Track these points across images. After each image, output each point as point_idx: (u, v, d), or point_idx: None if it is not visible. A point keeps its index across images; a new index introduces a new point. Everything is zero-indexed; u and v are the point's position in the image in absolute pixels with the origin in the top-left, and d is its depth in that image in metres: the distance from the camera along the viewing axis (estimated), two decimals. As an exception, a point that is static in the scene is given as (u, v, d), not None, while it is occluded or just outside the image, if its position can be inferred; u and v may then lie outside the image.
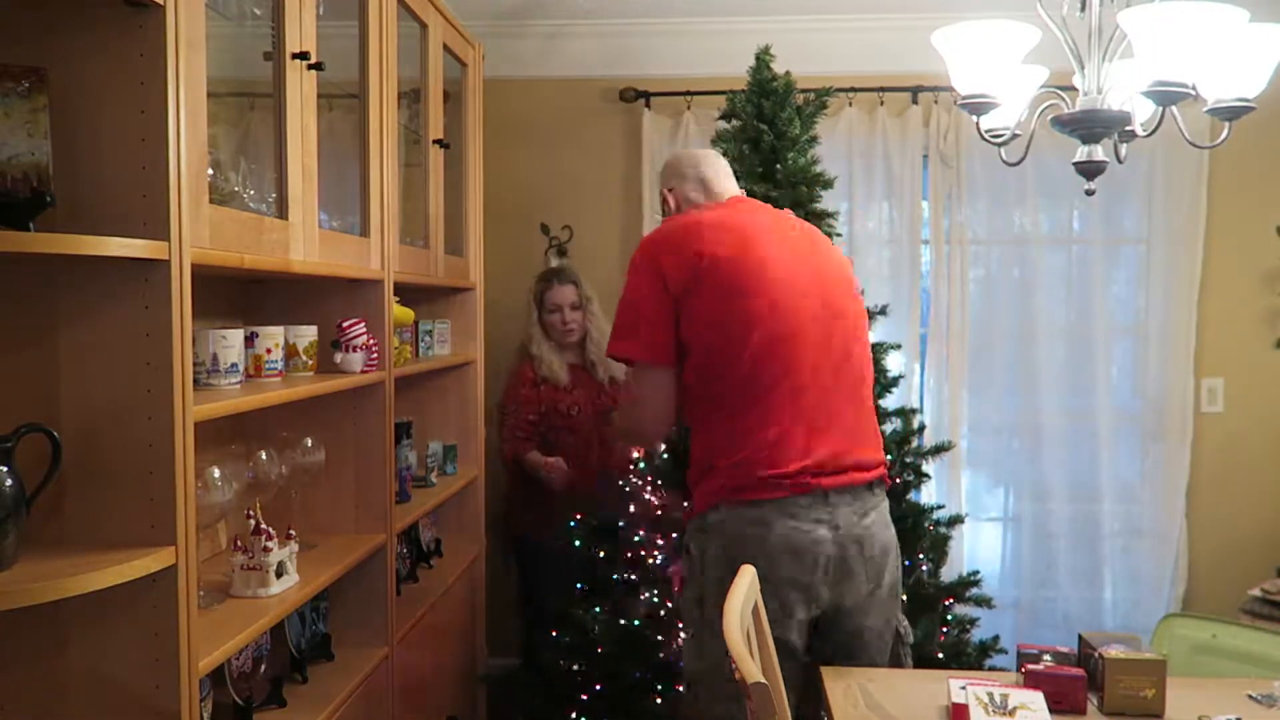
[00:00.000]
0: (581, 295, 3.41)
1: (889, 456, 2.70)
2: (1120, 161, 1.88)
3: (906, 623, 2.14)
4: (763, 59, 2.86)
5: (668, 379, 2.00)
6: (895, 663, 2.08)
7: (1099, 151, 1.84)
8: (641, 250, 2.06)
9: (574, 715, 2.72)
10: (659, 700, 2.58)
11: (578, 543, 2.77)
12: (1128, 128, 1.83)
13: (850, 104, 3.72)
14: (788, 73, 2.87)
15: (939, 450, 2.92)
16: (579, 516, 2.82)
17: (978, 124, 1.93)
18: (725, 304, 1.94)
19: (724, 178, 2.23)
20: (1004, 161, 2.02)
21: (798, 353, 1.95)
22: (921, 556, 2.75)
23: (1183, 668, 2.37)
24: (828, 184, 2.86)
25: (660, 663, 2.60)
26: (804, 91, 2.90)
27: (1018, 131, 1.96)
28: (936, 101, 3.70)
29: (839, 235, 2.90)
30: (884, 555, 2.01)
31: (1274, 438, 3.80)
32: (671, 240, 2.02)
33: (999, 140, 1.96)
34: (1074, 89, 1.86)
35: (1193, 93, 1.68)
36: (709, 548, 1.95)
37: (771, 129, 2.79)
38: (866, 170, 3.73)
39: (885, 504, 2.07)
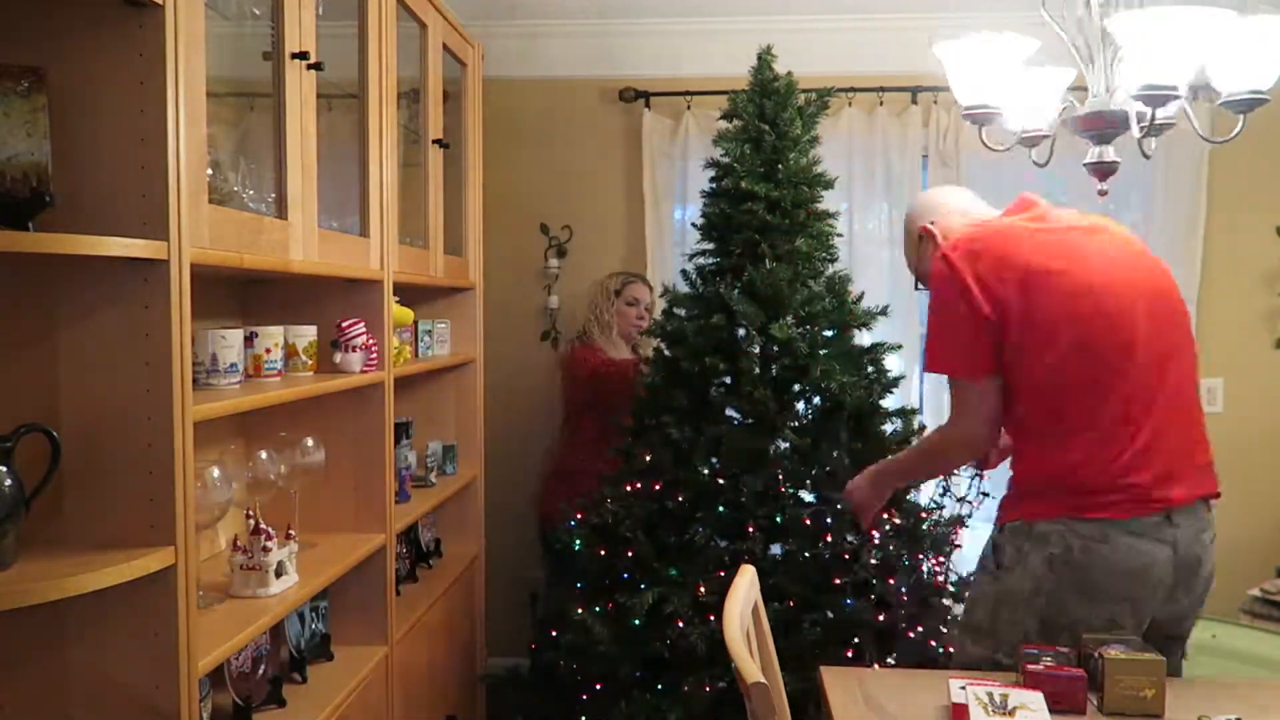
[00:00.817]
0: (653, 298, 3.52)
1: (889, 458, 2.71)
2: (1147, 157, 1.88)
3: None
4: (765, 59, 2.86)
5: (992, 391, 1.98)
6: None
7: (1110, 152, 1.84)
8: (947, 262, 1.99)
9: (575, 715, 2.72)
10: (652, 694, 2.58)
11: (578, 544, 2.76)
12: (1157, 121, 1.81)
13: (850, 104, 3.72)
14: (789, 73, 2.86)
15: None
16: (579, 516, 2.81)
17: (981, 134, 1.94)
18: (1058, 316, 1.90)
19: (980, 203, 2.19)
20: (1034, 163, 2.02)
21: (1134, 366, 1.91)
22: (922, 557, 2.75)
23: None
24: (829, 184, 2.86)
25: (658, 660, 2.60)
26: (805, 91, 2.90)
27: (1049, 133, 1.97)
28: (936, 102, 3.69)
29: (839, 235, 2.90)
30: (1211, 575, 1.99)
31: (1274, 438, 3.80)
32: (990, 252, 1.96)
33: (1004, 148, 1.96)
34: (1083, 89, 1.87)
35: (1180, 95, 1.68)
36: (1031, 555, 1.93)
37: (773, 129, 2.79)
38: (866, 170, 3.73)
39: (1214, 521, 2.01)
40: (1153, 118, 1.72)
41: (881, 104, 3.72)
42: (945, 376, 2.10)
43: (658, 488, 2.71)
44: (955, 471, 2.63)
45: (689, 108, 3.76)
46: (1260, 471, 3.79)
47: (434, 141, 2.84)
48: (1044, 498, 1.95)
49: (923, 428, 3.01)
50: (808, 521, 2.60)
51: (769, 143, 2.78)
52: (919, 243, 2.20)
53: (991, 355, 1.94)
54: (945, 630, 2.63)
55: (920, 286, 2.25)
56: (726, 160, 2.83)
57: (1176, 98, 1.67)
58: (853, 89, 3.69)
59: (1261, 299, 3.77)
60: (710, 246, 2.88)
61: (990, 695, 1.67)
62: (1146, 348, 1.93)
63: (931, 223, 2.17)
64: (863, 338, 2.92)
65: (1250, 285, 3.77)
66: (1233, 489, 3.74)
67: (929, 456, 2.28)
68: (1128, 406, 1.90)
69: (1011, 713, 1.63)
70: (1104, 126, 1.80)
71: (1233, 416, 3.79)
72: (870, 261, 3.74)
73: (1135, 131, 1.84)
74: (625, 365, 3.36)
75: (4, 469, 1.37)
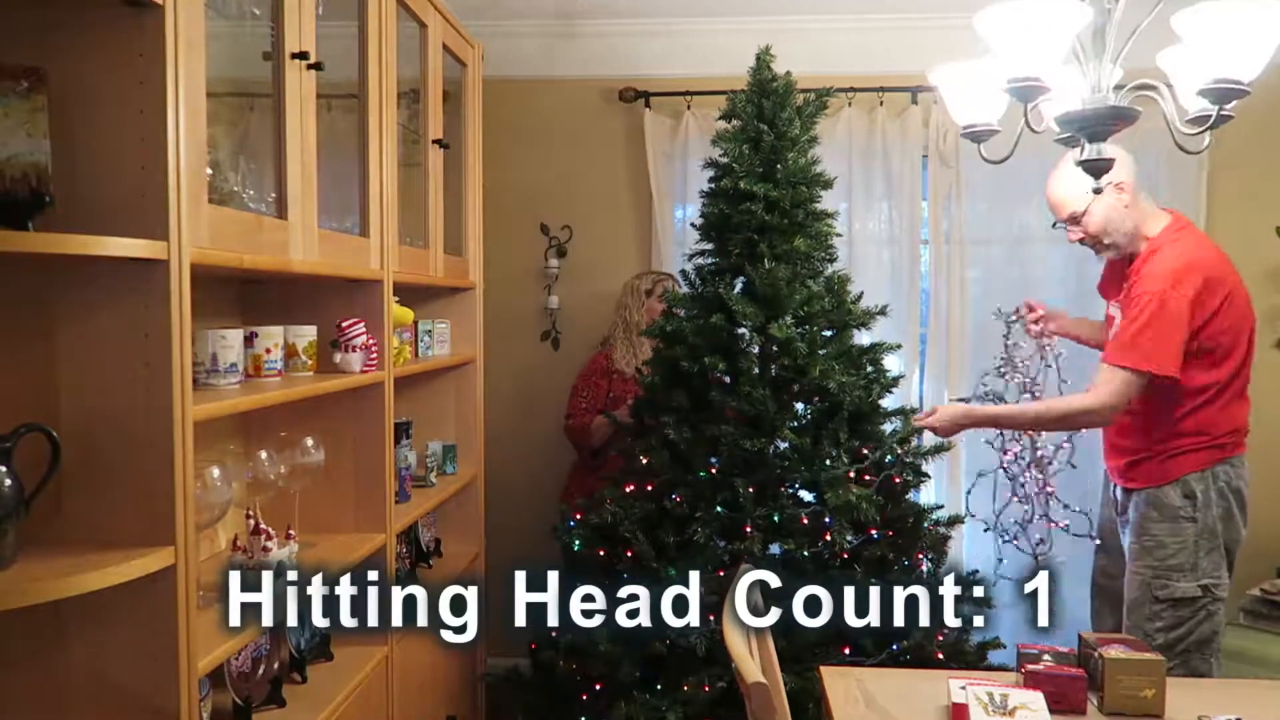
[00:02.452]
0: None
1: (889, 458, 2.72)
2: (1183, 148, 1.90)
3: None
4: (763, 59, 2.85)
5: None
6: None
7: (1106, 150, 1.83)
8: (1179, 277, 2.44)
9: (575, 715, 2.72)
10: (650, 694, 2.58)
11: (577, 544, 2.76)
12: (1190, 118, 1.81)
13: (850, 104, 3.72)
14: (788, 73, 2.86)
15: (938, 450, 2.92)
16: (578, 516, 2.81)
17: (980, 150, 1.96)
18: (1239, 320, 2.54)
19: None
20: (985, 159, 2.02)
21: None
22: (921, 557, 2.75)
23: (1183, 668, 2.37)
24: (828, 184, 2.85)
25: (656, 659, 2.60)
26: (804, 91, 2.90)
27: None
28: (936, 102, 3.69)
29: (839, 235, 2.90)
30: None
31: (1274, 438, 3.79)
32: (1209, 273, 2.49)
33: (987, 145, 1.97)
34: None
35: (1249, 90, 1.68)
36: (1211, 493, 2.51)
37: (772, 129, 2.78)
38: (866, 170, 3.73)
39: None
40: (1219, 114, 1.71)
41: (881, 104, 3.71)
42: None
43: (651, 488, 2.71)
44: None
45: (689, 108, 3.76)
46: (1260, 472, 3.78)
47: (434, 141, 2.84)
48: (1209, 448, 2.53)
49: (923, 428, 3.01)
50: (805, 521, 2.60)
51: (767, 143, 2.78)
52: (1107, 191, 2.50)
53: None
54: (945, 629, 2.64)
55: (1060, 225, 2.69)
56: (725, 160, 2.82)
57: (1246, 92, 1.66)
58: (853, 89, 3.69)
59: (1262, 299, 3.76)
60: (709, 247, 2.88)
61: (990, 695, 1.67)
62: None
63: (1127, 183, 2.52)
64: (862, 337, 2.92)
65: (1250, 285, 3.74)
66: (1233, 489, 3.77)
67: (1057, 419, 2.67)
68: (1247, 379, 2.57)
69: (1011, 713, 1.63)
70: (1100, 124, 1.79)
71: (1233, 416, 3.79)
72: (870, 261, 3.74)
73: (1181, 128, 1.82)
74: (596, 386, 3.49)
75: (4, 469, 1.37)
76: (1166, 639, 2.44)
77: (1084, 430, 2.83)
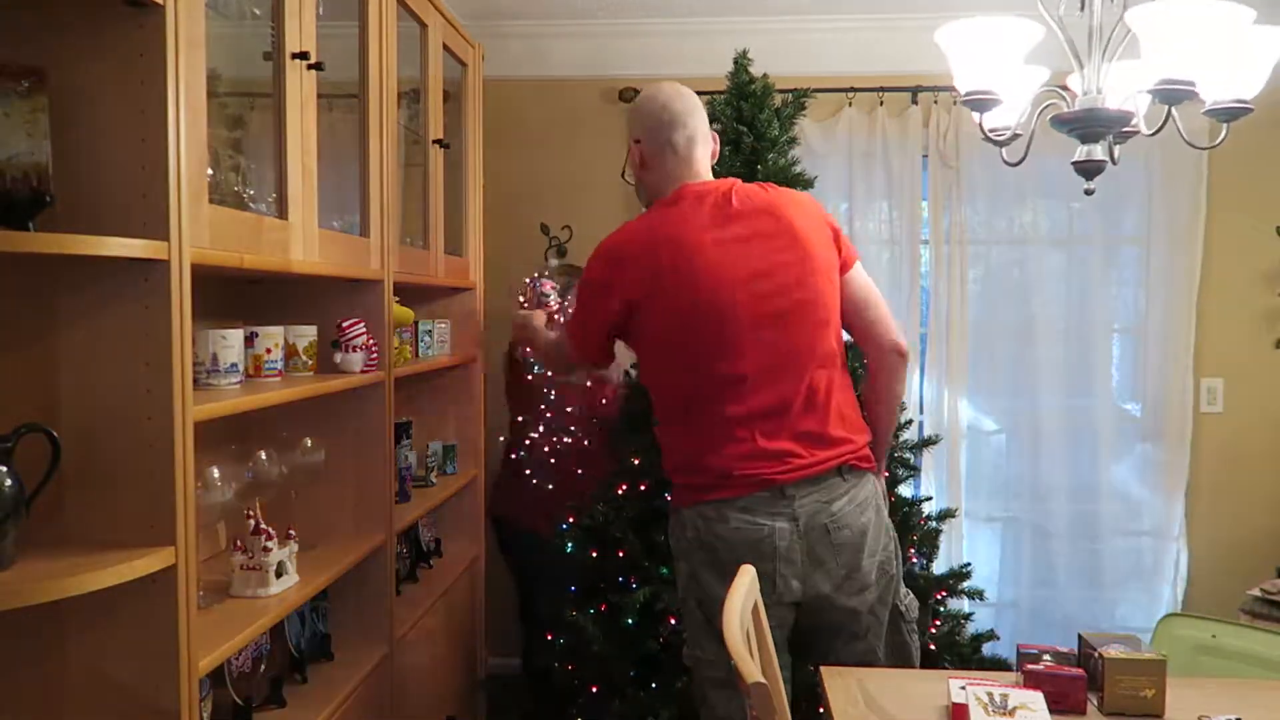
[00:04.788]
0: (562, 286, 3.41)
1: None
2: (1114, 162, 1.88)
3: (910, 601, 2.17)
4: (740, 62, 2.89)
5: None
6: (899, 641, 2.13)
7: (1098, 151, 1.83)
8: (596, 259, 2.15)
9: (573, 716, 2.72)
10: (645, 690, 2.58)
11: (570, 547, 2.77)
12: (1125, 128, 1.83)
13: (850, 104, 3.72)
14: (765, 75, 2.89)
15: (927, 444, 2.94)
16: (571, 519, 2.81)
17: (980, 123, 1.93)
18: (665, 318, 2.03)
19: (695, 147, 2.16)
20: (1005, 162, 2.01)
21: (736, 352, 1.99)
22: (912, 550, 2.76)
23: (1183, 668, 2.37)
24: (808, 184, 2.87)
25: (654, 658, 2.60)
26: (782, 92, 2.92)
27: (1019, 131, 1.96)
28: (936, 102, 3.70)
29: None
30: (860, 537, 2.03)
31: (1274, 438, 3.80)
32: (626, 253, 2.11)
33: (1001, 140, 1.96)
34: (1070, 90, 1.86)
35: (1197, 91, 1.68)
36: (681, 540, 2.07)
37: (751, 130, 2.81)
38: (866, 170, 3.73)
39: (861, 487, 2.06)
40: (1167, 115, 1.72)
41: (881, 104, 3.72)
42: None
43: (645, 488, 2.71)
44: None
45: (689, 108, 3.76)
46: (1260, 471, 3.80)
47: (434, 141, 2.84)
48: (676, 486, 2.13)
49: (910, 421, 3.02)
50: None
51: (747, 144, 2.80)
52: (629, 155, 2.25)
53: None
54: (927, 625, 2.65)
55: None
56: None
57: (1194, 93, 1.66)
58: (853, 89, 3.70)
59: (1261, 299, 3.77)
60: None
61: (990, 695, 1.67)
62: (753, 328, 2.00)
63: (637, 141, 2.19)
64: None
65: (1250, 285, 3.78)
66: (1233, 489, 3.80)
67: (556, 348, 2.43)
68: (739, 394, 2.01)
69: (1011, 713, 1.63)
70: (1095, 125, 1.79)
71: (1233, 416, 3.80)
72: (870, 261, 3.73)
73: (1144, 129, 1.83)
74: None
75: (4, 469, 1.37)
76: None
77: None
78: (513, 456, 3.51)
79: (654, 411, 2.17)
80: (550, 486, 3.33)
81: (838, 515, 2.01)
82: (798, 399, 2.02)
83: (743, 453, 1.98)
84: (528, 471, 3.41)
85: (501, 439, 3.58)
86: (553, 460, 3.36)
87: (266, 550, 1.89)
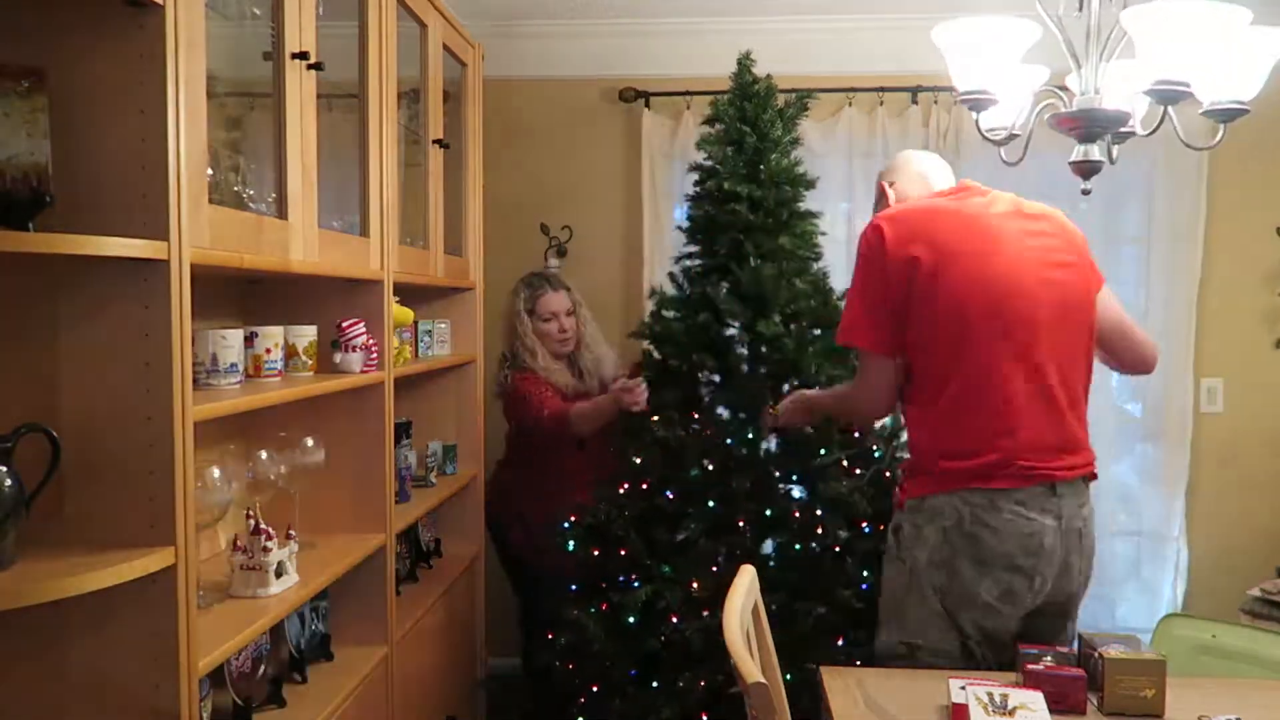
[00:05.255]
0: (573, 299, 3.28)
1: (878, 454, 2.72)
2: (1112, 162, 1.88)
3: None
4: (744, 63, 2.89)
5: (888, 366, 2.11)
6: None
7: (1095, 151, 1.83)
8: (868, 237, 2.10)
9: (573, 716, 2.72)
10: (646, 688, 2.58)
11: (571, 545, 2.77)
12: (1123, 129, 1.83)
13: (850, 104, 3.72)
14: (768, 76, 2.89)
15: None
16: (573, 518, 2.81)
17: (977, 123, 1.94)
18: (965, 285, 2.01)
19: (946, 174, 2.32)
20: (1004, 161, 2.02)
21: (1034, 340, 2.02)
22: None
23: (1183, 668, 2.36)
24: (810, 184, 2.88)
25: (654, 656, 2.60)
26: (785, 93, 2.92)
27: (1017, 131, 1.96)
28: (936, 101, 3.70)
29: (823, 234, 2.91)
30: (1092, 547, 2.12)
31: (1274, 438, 3.80)
32: (904, 228, 2.07)
33: (998, 140, 1.96)
34: (1068, 90, 1.86)
35: (1192, 92, 1.68)
36: (926, 528, 2.03)
37: (754, 131, 2.82)
38: (866, 170, 3.72)
39: (1091, 499, 2.12)
40: (1164, 115, 1.72)
41: (881, 104, 3.72)
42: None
43: (646, 486, 2.72)
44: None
45: (689, 108, 3.76)
46: (1260, 471, 3.80)
47: (434, 142, 2.84)
48: (929, 473, 2.08)
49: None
50: (797, 515, 2.61)
51: (750, 144, 2.81)
52: (878, 199, 2.36)
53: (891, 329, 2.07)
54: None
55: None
56: (709, 163, 2.86)
57: (1189, 94, 1.66)
58: (853, 89, 3.70)
59: (1261, 299, 3.77)
60: (695, 249, 2.90)
61: (990, 695, 1.67)
62: (1032, 330, 2.03)
63: (891, 183, 2.32)
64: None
65: (1250, 285, 3.78)
66: (1233, 489, 3.79)
67: (838, 399, 2.41)
68: (1013, 390, 2.01)
69: (1011, 713, 1.63)
70: (1093, 125, 1.79)
71: (1233, 416, 3.80)
72: (870, 261, 3.74)
73: (1140, 130, 1.83)
74: (557, 414, 3.06)
75: (4, 469, 1.37)
76: None
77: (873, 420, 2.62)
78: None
79: (911, 389, 2.11)
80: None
81: (1087, 521, 2.08)
82: (1074, 401, 2.08)
83: (1028, 442, 1.99)
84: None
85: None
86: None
87: (266, 550, 1.89)
